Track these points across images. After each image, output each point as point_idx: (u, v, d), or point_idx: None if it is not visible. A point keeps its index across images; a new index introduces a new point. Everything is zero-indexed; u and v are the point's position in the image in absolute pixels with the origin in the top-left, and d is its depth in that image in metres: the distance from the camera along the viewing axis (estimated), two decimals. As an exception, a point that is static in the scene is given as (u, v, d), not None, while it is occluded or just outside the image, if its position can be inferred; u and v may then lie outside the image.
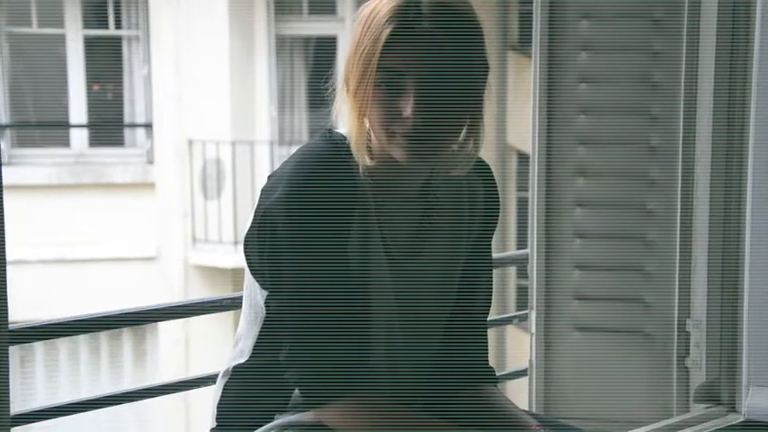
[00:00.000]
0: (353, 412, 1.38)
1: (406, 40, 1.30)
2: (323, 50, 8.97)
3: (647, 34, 2.23)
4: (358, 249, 1.40)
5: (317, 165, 1.37)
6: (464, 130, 1.39)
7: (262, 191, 1.43)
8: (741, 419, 2.22)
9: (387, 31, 1.30)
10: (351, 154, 1.38)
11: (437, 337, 1.51)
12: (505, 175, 9.12)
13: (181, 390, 2.08)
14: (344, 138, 1.40)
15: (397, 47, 1.30)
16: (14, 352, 8.33)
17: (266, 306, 1.45)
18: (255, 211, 1.43)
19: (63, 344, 8.43)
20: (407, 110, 1.31)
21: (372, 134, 1.38)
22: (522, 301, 5.62)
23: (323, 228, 1.35)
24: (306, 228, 1.35)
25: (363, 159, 1.37)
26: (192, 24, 8.30)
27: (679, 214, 2.24)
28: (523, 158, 8.40)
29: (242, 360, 1.51)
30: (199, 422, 7.87)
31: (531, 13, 2.30)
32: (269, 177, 1.44)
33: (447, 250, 1.49)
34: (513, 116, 8.73)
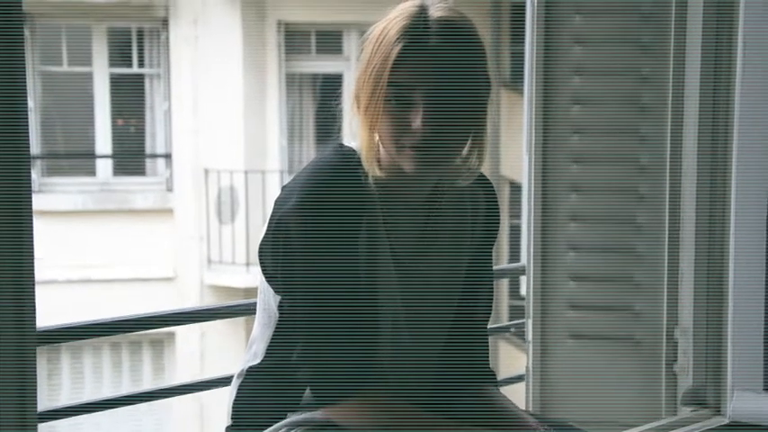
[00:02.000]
0: (362, 410, 1.34)
1: (415, 56, 1.29)
2: (329, 86, 8.97)
3: (636, 59, 2.21)
4: (366, 254, 1.36)
5: (329, 175, 1.34)
6: (468, 143, 1.37)
7: (275, 201, 1.40)
8: (726, 422, 2.18)
9: (397, 49, 1.29)
10: (360, 165, 1.35)
11: (441, 338, 1.47)
12: (499, 200, 9.09)
13: (195, 390, 2.04)
14: (354, 151, 1.37)
15: (407, 63, 1.29)
16: (42, 365, 8.28)
17: (279, 309, 1.42)
18: (270, 220, 1.39)
19: (87, 358, 8.38)
20: (416, 122, 1.28)
21: (382, 147, 1.35)
22: (515, 318, 5.56)
23: (333, 234, 1.32)
24: (317, 235, 1.32)
25: (373, 170, 1.34)
26: (209, 63, 8.32)
27: (667, 228, 2.21)
28: (515, 188, 8.37)
29: (256, 362, 1.48)
30: (213, 424, 7.82)
31: (522, 53, 2.29)
32: (282, 188, 1.41)
33: (450, 254, 1.46)
34: (506, 149, 8.72)
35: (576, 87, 2.25)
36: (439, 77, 1.29)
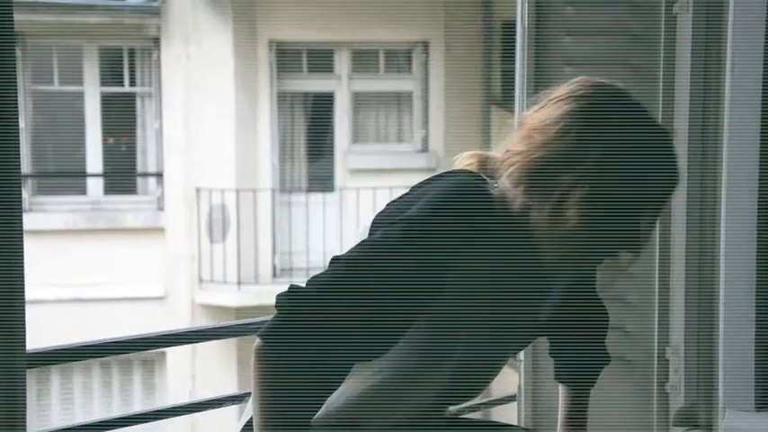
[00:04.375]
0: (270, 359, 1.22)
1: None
2: (321, 105, 8.99)
3: (626, 80, 2.22)
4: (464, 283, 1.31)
5: (461, 196, 1.28)
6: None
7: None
8: (718, 441, 2.17)
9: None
10: (488, 194, 1.30)
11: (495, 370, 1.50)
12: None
13: (187, 412, 2.02)
14: (484, 180, 1.35)
15: None
16: (31, 386, 8.23)
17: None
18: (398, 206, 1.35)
19: (77, 377, 8.32)
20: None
21: None
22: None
23: (436, 251, 1.25)
24: (423, 246, 1.24)
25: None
26: (201, 82, 8.33)
27: (658, 248, 2.22)
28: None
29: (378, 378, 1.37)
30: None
31: (513, 71, 2.29)
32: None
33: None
34: (497, 167, 8.74)
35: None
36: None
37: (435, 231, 1.25)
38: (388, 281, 1.23)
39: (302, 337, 1.22)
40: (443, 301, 1.28)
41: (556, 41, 2.27)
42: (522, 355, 2.24)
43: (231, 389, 7.70)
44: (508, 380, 2.30)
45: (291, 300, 1.25)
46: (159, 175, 8.60)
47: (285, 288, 1.29)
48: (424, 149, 8.95)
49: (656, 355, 2.23)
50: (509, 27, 7.88)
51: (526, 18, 2.25)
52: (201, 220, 8.34)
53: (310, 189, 8.79)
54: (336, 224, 8.63)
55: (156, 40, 8.45)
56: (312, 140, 8.98)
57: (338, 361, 1.23)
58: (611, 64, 2.24)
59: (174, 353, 8.01)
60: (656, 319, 2.23)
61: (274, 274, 8.53)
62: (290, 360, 1.22)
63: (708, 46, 2.14)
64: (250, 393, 1.33)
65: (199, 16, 8.32)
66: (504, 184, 1.32)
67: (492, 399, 2.38)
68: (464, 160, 1.43)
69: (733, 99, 2.07)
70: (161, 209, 8.55)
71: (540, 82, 2.26)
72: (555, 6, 2.27)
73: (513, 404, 2.31)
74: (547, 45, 2.27)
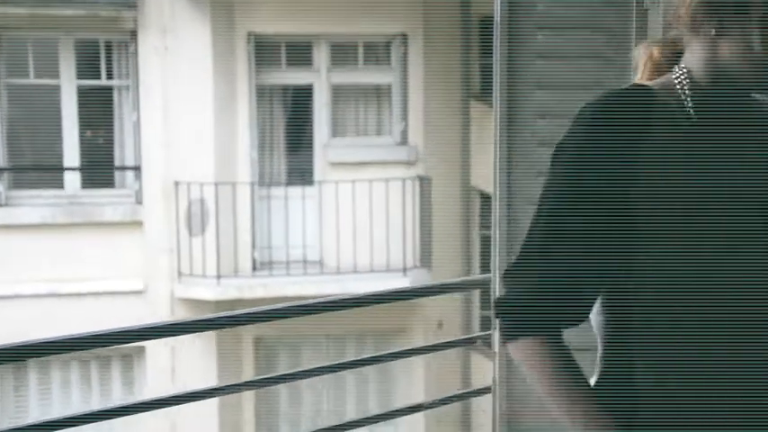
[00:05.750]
0: (532, 353, 1.25)
1: None
2: (300, 98, 8.99)
3: (599, 72, 2.25)
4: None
5: (606, 104, 1.25)
6: None
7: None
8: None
9: None
10: (659, 102, 1.24)
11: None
12: (470, 215, 9.16)
13: (166, 405, 2.04)
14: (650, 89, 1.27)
15: None
16: (8, 380, 8.20)
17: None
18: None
19: (55, 372, 8.30)
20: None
21: (716, 68, 1.24)
22: (487, 329, 5.59)
23: (604, 169, 1.21)
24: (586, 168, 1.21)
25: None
26: (179, 74, 8.31)
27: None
28: (486, 199, 8.43)
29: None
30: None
31: (491, 65, 2.31)
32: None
33: None
34: (477, 160, 8.78)
35: (541, 101, 2.29)
36: None
37: (594, 144, 1.22)
38: (581, 213, 1.21)
39: (543, 304, 1.24)
40: (658, 218, 1.20)
41: (529, 36, 2.29)
42: (496, 347, 2.26)
43: (211, 382, 7.70)
44: (485, 371, 2.33)
45: (509, 297, 1.27)
46: (137, 169, 8.57)
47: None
48: (403, 142, 8.97)
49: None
50: (487, 21, 7.90)
51: (498, 13, 2.28)
52: (180, 214, 8.32)
53: (289, 182, 8.79)
54: (316, 217, 8.63)
55: (133, 33, 8.41)
56: (291, 134, 8.97)
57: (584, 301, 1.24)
58: (585, 57, 2.26)
59: (152, 347, 8.00)
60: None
61: (254, 268, 8.53)
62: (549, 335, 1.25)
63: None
64: (231, 386, 1.34)
65: (176, 8, 8.29)
66: (687, 59, 1.27)
67: (466, 390, 2.41)
68: (638, 63, 1.38)
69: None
70: (139, 202, 8.52)
71: (513, 76, 2.28)
72: (529, 1, 2.30)
73: (488, 396, 2.33)
74: (520, 39, 2.29)
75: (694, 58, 1.27)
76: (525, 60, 2.29)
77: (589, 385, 1.27)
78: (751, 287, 1.20)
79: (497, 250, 2.28)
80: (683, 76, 1.27)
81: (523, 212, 2.29)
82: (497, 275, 2.28)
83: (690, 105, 1.25)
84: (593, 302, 1.27)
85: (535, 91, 2.29)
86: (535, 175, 2.29)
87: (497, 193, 2.30)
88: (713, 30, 1.23)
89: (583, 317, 1.27)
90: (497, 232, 2.28)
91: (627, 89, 1.29)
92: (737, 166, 1.24)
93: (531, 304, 1.24)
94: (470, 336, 2.64)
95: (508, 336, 1.28)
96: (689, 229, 1.20)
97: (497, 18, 2.32)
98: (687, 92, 1.26)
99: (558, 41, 2.29)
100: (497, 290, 2.27)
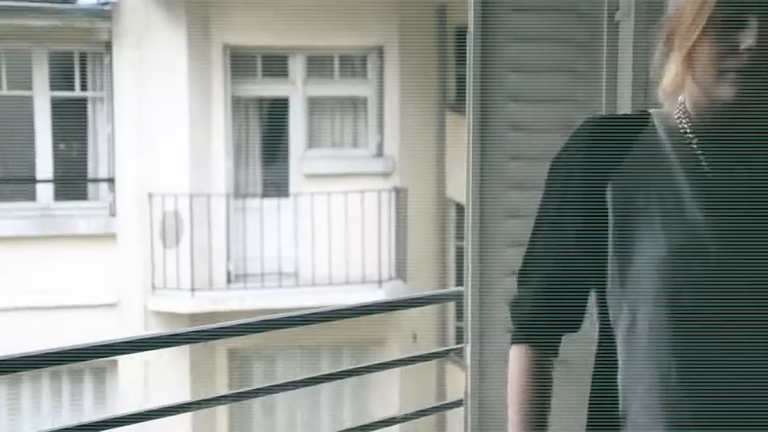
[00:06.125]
0: (518, 361, 1.34)
1: None
2: (276, 110, 8.97)
3: (571, 85, 2.26)
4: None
5: (603, 122, 1.33)
6: None
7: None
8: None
9: None
10: (650, 123, 1.28)
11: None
12: (445, 225, 9.17)
13: (138, 421, 2.02)
14: (649, 113, 1.31)
15: None
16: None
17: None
18: None
19: (25, 387, 8.20)
20: (748, 41, 1.15)
21: (695, 84, 1.23)
22: (461, 341, 5.60)
23: (586, 182, 1.27)
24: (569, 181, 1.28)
25: (671, 100, 1.26)
26: (154, 85, 8.27)
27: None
28: (461, 209, 8.44)
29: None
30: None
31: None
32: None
33: None
34: (452, 170, 8.80)
35: (514, 114, 2.29)
36: None
37: (569, 162, 1.28)
38: (566, 220, 1.29)
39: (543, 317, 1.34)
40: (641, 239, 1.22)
41: (502, 48, 2.30)
42: (468, 360, 2.26)
43: (185, 394, 7.64)
44: (460, 383, 2.32)
45: (516, 310, 1.37)
46: (111, 181, 8.51)
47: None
48: (380, 154, 8.97)
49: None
50: (463, 31, 7.92)
51: (472, 25, 2.28)
52: (155, 226, 8.27)
53: (265, 194, 8.76)
54: (291, 229, 8.61)
55: (108, 44, 8.36)
56: (267, 145, 8.95)
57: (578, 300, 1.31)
58: (556, 70, 2.27)
59: (125, 360, 7.93)
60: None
61: (229, 280, 8.49)
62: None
63: (649, 52, 2.17)
64: (204, 400, 1.34)
65: (151, 20, 8.25)
66: (685, 90, 1.26)
67: (439, 404, 2.41)
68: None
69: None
70: (113, 215, 8.46)
71: (486, 88, 2.28)
72: (501, 14, 2.30)
73: (460, 409, 2.33)
74: (493, 51, 2.30)
75: (688, 91, 1.27)
76: (498, 73, 2.29)
77: (544, 419, 1.37)
78: (728, 292, 1.22)
79: (470, 263, 2.28)
80: (681, 110, 1.28)
81: (497, 224, 2.29)
82: (470, 288, 2.27)
83: (692, 143, 1.25)
84: (586, 304, 1.34)
85: (508, 103, 2.30)
86: (508, 188, 2.29)
87: (470, 205, 2.30)
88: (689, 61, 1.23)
89: (580, 321, 1.35)
90: (470, 245, 2.28)
91: (630, 115, 1.36)
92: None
93: (538, 308, 1.33)
94: (443, 349, 2.64)
95: (513, 338, 1.37)
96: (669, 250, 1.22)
97: (471, 30, 2.32)
98: (686, 127, 1.26)
99: (531, 54, 2.30)
100: (470, 302, 2.27)
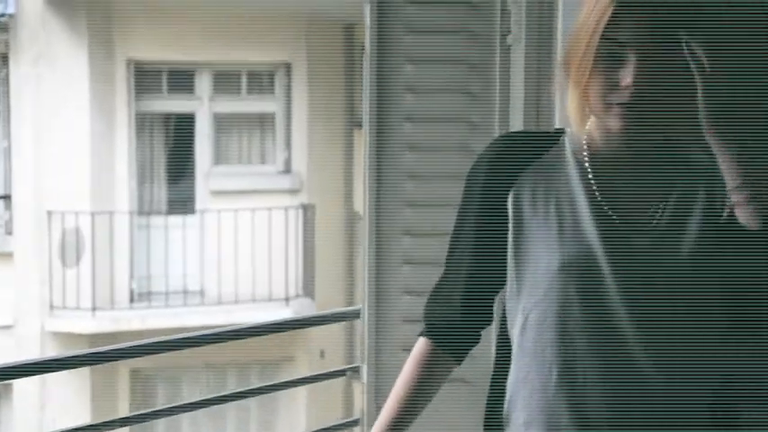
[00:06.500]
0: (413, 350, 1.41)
1: (630, 11, 1.20)
2: (181, 126, 8.85)
3: (465, 106, 2.29)
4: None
5: (512, 138, 1.42)
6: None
7: None
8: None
9: (612, 5, 1.21)
10: (558, 142, 1.33)
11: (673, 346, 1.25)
12: (353, 242, 9.18)
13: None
14: (562, 132, 1.35)
15: (622, 18, 1.21)
16: None
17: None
18: None
19: None
20: (627, 79, 1.21)
21: (590, 111, 1.28)
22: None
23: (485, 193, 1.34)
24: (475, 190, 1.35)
25: (579, 126, 1.30)
26: (54, 99, 8.05)
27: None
28: (369, 227, 8.46)
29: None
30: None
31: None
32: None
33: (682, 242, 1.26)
34: (360, 187, 8.82)
35: (410, 133, 2.31)
36: (655, 33, 1.20)
37: (478, 172, 1.35)
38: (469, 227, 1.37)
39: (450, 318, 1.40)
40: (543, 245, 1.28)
41: (398, 69, 2.32)
42: (364, 378, 2.26)
43: (85, 418, 7.43)
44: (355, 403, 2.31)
45: (426, 316, 1.43)
46: (7, 198, 8.24)
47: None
48: (287, 171, 8.93)
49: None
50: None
51: (368, 44, 2.30)
52: (53, 245, 8.04)
53: (170, 211, 8.62)
54: (197, 247, 8.48)
55: (5, 57, 8.12)
56: (173, 162, 8.82)
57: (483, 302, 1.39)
58: (450, 91, 2.30)
59: (20, 383, 7.66)
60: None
61: (131, 299, 8.30)
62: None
63: (539, 75, 2.23)
64: (106, 423, 1.32)
65: (51, 33, 8.05)
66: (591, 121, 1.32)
67: (335, 423, 2.40)
68: None
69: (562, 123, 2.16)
70: (9, 233, 8.19)
71: (383, 107, 2.30)
72: (397, 34, 2.33)
73: (357, 429, 2.32)
74: (390, 72, 2.32)
75: (591, 118, 1.32)
76: (395, 93, 2.31)
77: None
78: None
79: (366, 281, 2.28)
80: (587, 133, 1.32)
81: (393, 242, 2.30)
82: (366, 307, 2.28)
83: (588, 170, 1.30)
84: (489, 307, 1.41)
85: (404, 123, 2.32)
86: (404, 206, 2.31)
87: (367, 223, 2.31)
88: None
89: (482, 324, 1.42)
90: (367, 263, 2.29)
91: (545, 132, 1.39)
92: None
93: (443, 306, 1.40)
94: (339, 369, 2.63)
95: (419, 333, 1.43)
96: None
97: (368, 51, 2.34)
98: (585, 154, 1.31)
99: (427, 75, 2.33)
100: (366, 321, 2.27)
